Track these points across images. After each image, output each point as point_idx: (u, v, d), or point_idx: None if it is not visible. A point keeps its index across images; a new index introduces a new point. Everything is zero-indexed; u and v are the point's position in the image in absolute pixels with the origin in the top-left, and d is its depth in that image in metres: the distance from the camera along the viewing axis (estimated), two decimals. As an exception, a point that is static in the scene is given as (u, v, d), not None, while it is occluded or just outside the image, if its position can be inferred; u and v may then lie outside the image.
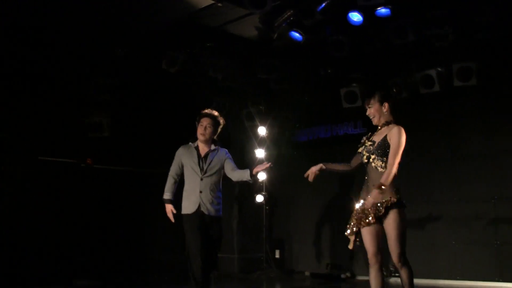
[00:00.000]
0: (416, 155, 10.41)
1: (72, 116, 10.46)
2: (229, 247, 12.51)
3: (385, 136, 5.74)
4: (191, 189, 6.82)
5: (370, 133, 6.08)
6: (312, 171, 6.31)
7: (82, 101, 10.54)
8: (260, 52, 10.53)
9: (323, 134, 11.95)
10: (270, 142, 12.37)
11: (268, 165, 6.68)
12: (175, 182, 7.03)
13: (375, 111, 5.99)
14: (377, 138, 5.85)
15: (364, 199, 5.79)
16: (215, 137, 7.05)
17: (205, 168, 6.82)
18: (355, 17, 8.60)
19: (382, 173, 5.63)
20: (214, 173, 6.87)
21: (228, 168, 6.96)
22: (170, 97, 11.53)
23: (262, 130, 12.30)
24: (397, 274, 10.11)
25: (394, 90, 10.28)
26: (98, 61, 10.21)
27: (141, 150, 11.40)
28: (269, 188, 12.35)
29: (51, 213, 10.26)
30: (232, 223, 12.57)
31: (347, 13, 8.62)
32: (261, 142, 12.35)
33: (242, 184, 12.32)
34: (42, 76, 10.11)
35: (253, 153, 12.28)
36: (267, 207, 12.38)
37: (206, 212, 6.69)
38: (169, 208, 6.87)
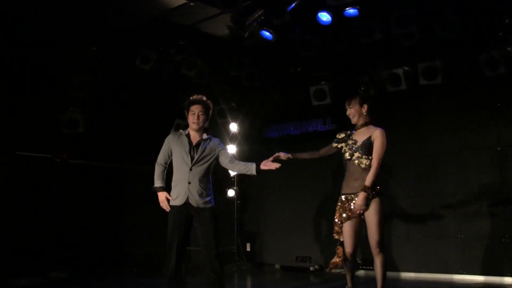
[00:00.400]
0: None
1: (48, 113, 10.33)
2: (201, 240, 12.51)
3: (369, 137, 6.25)
4: (180, 179, 6.29)
5: (349, 132, 6.50)
6: (280, 155, 6.58)
7: (58, 98, 10.42)
8: (232, 50, 10.52)
9: (293, 130, 11.97)
10: (242, 138, 12.41)
11: (277, 166, 6.27)
12: (164, 170, 6.45)
13: (355, 111, 6.42)
14: (359, 137, 6.33)
15: (346, 193, 6.35)
16: (206, 124, 6.50)
17: (196, 157, 6.27)
18: (324, 17, 8.63)
19: (365, 169, 6.17)
20: (205, 163, 6.35)
21: (225, 159, 6.54)
22: (144, 94, 11.49)
23: (233, 127, 12.33)
24: (364, 267, 10.26)
25: (362, 88, 10.35)
26: (73, 59, 10.12)
27: (116, 146, 11.36)
28: (241, 183, 12.38)
29: (27, 207, 10.14)
30: (204, 217, 12.58)
31: (316, 13, 8.63)
32: (233, 138, 12.39)
33: (214, 179, 12.38)
34: (19, 73, 10.00)
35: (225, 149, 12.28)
36: (238, 202, 12.42)
37: (194, 205, 6.21)
38: (163, 196, 6.28)
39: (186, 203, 6.21)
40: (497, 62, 8.83)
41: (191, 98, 6.49)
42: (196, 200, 6.21)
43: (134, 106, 11.51)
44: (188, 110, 6.39)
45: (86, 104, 10.44)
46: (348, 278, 6.63)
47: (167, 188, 6.37)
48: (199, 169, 6.28)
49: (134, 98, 11.43)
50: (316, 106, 10.76)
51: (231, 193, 12.27)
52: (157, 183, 6.33)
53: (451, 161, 9.92)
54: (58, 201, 10.51)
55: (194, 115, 6.31)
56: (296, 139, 11.91)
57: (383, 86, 10.05)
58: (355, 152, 6.23)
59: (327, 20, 8.67)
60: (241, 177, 12.25)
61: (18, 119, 10.02)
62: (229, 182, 12.32)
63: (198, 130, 6.38)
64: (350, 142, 6.35)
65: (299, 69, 10.86)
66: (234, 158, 6.74)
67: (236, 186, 12.29)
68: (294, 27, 9.55)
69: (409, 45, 9.19)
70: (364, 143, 6.24)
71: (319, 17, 8.68)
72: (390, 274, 9.98)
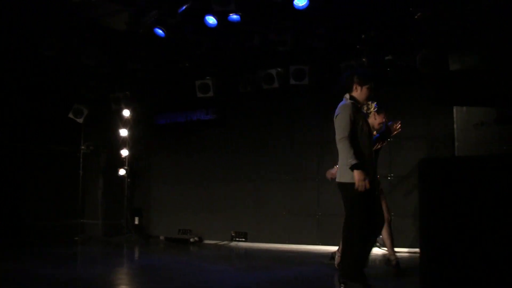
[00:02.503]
0: (259, 141, 10.88)
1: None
2: (95, 213, 12.45)
3: None
4: (366, 154, 5.11)
5: None
6: None
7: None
8: (129, 44, 10.46)
9: (179, 118, 12.08)
10: (133, 124, 12.36)
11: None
12: None
13: None
14: None
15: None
16: None
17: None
18: (211, 20, 8.73)
19: None
20: None
21: None
22: (46, 79, 11.24)
23: (126, 113, 12.25)
24: (237, 239, 10.56)
25: (241, 84, 10.63)
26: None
27: (19, 126, 11.10)
28: (131, 163, 12.37)
29: None
30: (97, 193, 12.49)
31: (204, 16, 8.76)
32: (125, 123, 12.31)
33: (107, 158, 12.42)
34: None
35: (118, 133, 12.23)
36: (128, 180, 12.38)
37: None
38: (364, 175, 4.85)
39: (374, 180, 5.15)
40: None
41: (368, 72, 5.76)
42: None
43: (37, 90, 11.26)
44: (366, 84, 5.34)
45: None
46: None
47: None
48: None
49: (38, 82, 11.18)
50: (201, 98, 10.93)
51: (122, 172, 12.23)
52: (356, 159, 4.87)
53: (315, 150, 10.41)
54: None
55: (371, 90, 5.39)
56: (182, 126, 12.05)
57: (259, 84, 10.38)
58: None
59: (213, 23, 8.81)
60: (132, 157, 12.30)
61: None
62: (120, 161, 12.27)
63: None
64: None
65: (187, 64, 10.95)
66: None
67: (127, 165, 12.27)
68: (185, 27, 9.64)
69: (283, 50, 9.50)
70: None
71: (206, 20, 8.81)
72: (261, 245, 10.40)
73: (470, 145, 7.70)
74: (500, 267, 3.22)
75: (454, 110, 7.82)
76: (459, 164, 3.60)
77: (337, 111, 5.28)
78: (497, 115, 7.52)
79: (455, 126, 7.78)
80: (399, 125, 6.30)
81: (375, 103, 6.64)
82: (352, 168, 4.85)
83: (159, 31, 9.36)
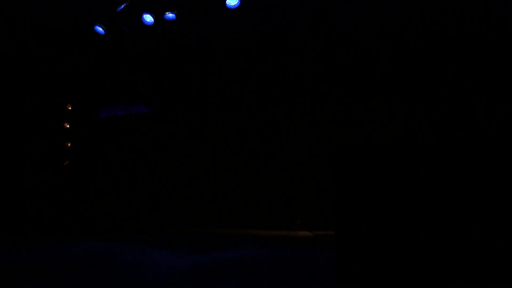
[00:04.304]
0: (194, 132, 10.90)
1: None
2: (40, 203, 12.28)
3: None
4: None
5: None
6: None
7: None
8: (72, 40, 10.32)
9: (119, 111, 11.99)
10: (77, 117, 12.19)
11: None
12: None
13: None
14: None
15: None
16: None
17: None
18: (148, 18, 8.72)
19: None
20: None
21: None
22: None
23: (70, 106, 12.06)
24: (177, 225, 10.55)
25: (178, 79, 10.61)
26: None
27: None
28: (74, 155, 12.21)
29: None
30: (42, 183, 12.29)
31: (142, 14, 8.72)
32: (69, 116, 12.11)
33: (52, 149, 12.20)
34: None
35: (62, 125, 12.04)
36: (72, 170, 12.21)
37: None
38: None
39: None
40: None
41: None
42: None
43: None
44: None
45: None
46: None
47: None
48: None
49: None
50: (140, 92, 10.89)
51: (65, 163, 12.07)
52: None
53: (249, 141, 10.51)
54: None
55: None
56: (122, 119, 11.96)
57: (196, 79, 10.39)
58: None
59: (150, 21, 8.79)
60: (75, 149, 12.15)
61: None
62: (64, 153, 12.10)
63: None
64: None
65: (126, 60, 10.88)
66: None
67: (70, 157, 12.11)
68: (123, 26, 9.57)
69: (218, 46, 9.56)
70: None
71: (144, 19, 8.78)
72: (202, 230, 10.43)
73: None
74: (406, 247, 3.36)
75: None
76: (361, 151, 3.73)
77: None
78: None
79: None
80: None
81: None
82: None
83: (99, 29, 9.28)
